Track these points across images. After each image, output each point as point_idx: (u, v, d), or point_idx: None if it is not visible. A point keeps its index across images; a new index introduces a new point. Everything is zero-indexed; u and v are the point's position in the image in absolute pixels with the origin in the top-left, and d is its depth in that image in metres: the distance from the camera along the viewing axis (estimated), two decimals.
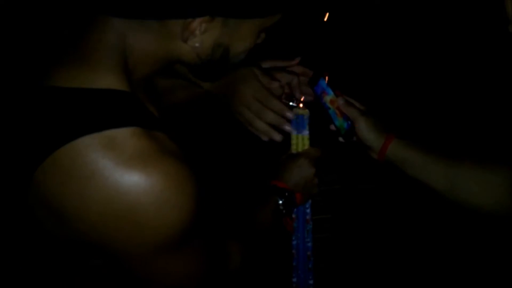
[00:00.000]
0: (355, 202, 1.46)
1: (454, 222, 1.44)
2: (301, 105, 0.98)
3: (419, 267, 1.36)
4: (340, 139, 0.97)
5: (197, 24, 0.57)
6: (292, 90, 1.00)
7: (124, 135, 0.54)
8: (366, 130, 0.91)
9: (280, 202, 0.91)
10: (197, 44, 0.59)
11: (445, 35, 1.77)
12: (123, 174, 0.53)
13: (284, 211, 0.92)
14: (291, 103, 0.99)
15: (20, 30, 0.68)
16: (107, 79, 0.58)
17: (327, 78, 0.95)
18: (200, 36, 0.58)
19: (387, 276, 1.36)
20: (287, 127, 0.96)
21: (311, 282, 1.03)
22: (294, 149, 0.99)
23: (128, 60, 0.60)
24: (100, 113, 0.55)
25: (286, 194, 0.92)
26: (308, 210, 1.02)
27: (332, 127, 0.97)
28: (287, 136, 0.99)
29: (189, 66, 0.65)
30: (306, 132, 0.98)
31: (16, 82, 0.61)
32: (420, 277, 1.35)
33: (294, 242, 1.03)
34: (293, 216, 1.00)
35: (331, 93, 0.95)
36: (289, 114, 0.94)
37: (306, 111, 0.99)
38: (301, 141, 0.99)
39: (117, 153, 0.53)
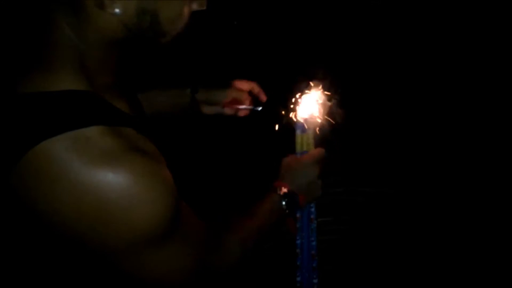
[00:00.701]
0: (358, 204, 1.46)
1: (456, 225, 1.45)
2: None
3: (422, 268, 1.36)
4: None
5: None
6: (257, 95, 1.06)
7: (87, 135, 0.55)
8: None
9: (284, 203, 0.91)
10: (117, 10, 0.57)
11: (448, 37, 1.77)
12: (88, 174, 0.53)
13: (287, 212, 0.92)
14: (258, 108, 1.04)
15: None
16: (65, 80, 0.58)
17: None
18: (118, 2, 0.56)
19: (391, 276, 1.36)
20: None
21: (315, 281, 1.03)
22: (298, 149, 0.99)
23: (84, 57, 0.60)
24: (60, 115, 0.55)
25: (289, 195, 0.92)
26: (312, 209, 1.02)
27: None
28: (291, 136, 1.00)
29: (127, 44, 0.63)
30: (310, 131, 0.99)
31: None
32: (423, 278, 1.35)
33: (299, 241, 1.03)
34: (298, 216, 1.01)
35: None
36: None
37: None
38: (305, 140, 0.99)
39: (81, 154, 0.53)
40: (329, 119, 0.98)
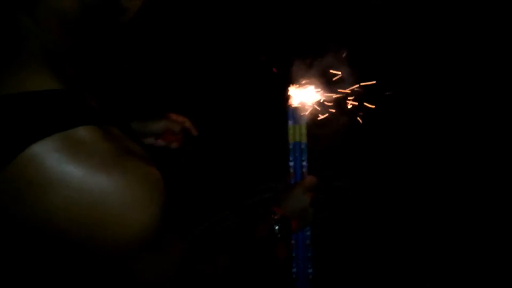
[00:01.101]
0: (354, 198, 1.47)
1: (449, 218, 1.44)
2: None
3: (415, 260, 1.36)
4: None
5: None
6: (189, 130, 1.11)
7: (77, 135, 0.53)
8: None
9: (277, 227, 0.93)
10: None
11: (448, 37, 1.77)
12: (83, 176, 0.51)
13: (279, 236, 0.94)
14: (190, 143, 1.10)
15: None
16: (40, 80, 0.56)
17: None
18: None
19: (384, 267, 1.36)
20: None
21: (310, 270, 1.04)
22: (291, 139, 1.00)
23: (49, 48, 0.58)
24: (45, 116, 0.53)
25: (283, 220, 0.94)
26: None
27: None
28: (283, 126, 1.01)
29: (86, 25, 0.59)
30: (303, 122, 1.00)
31: None
32: (416, 270, 1.35)
33: None
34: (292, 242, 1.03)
35: None
36: None
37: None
38: (298, 131, 1.00)
39: (73, 155, 0.52)
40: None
